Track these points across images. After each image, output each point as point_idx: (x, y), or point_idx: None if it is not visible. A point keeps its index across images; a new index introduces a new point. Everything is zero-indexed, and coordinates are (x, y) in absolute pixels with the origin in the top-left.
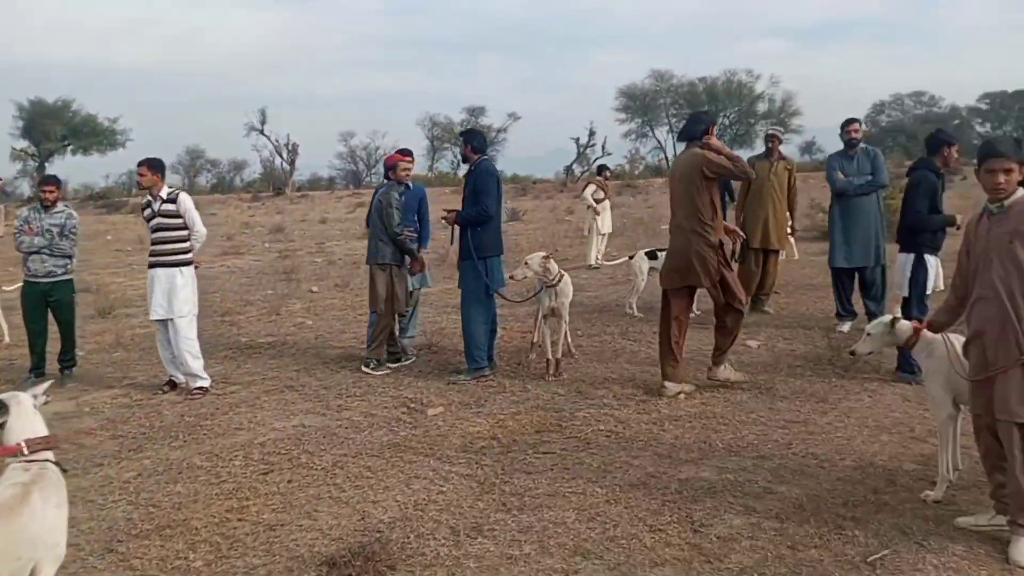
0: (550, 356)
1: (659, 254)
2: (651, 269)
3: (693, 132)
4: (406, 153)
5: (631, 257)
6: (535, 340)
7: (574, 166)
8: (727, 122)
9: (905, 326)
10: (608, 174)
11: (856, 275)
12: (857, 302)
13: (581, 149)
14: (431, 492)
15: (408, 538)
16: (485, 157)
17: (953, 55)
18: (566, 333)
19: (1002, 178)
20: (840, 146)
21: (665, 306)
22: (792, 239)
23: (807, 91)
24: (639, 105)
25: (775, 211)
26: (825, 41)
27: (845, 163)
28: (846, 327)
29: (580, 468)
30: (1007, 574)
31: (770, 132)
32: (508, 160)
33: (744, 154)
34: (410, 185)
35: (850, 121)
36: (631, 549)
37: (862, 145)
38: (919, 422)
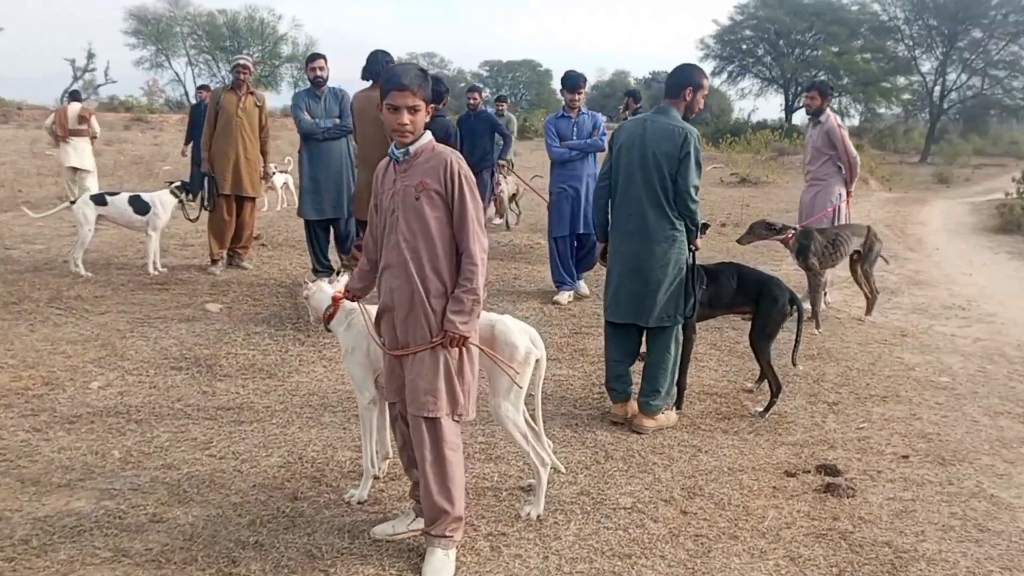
0: None
1: (109, 198)
2: (100, 217)
3: None
4: None
5: (72, 203)
6: None
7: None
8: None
9: (323, 294)
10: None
11: (331, 227)
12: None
13: (78, 73)
14: None
15: None
16: None
17: (460, 20)
18: None
19: (407, 117)
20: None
21: None
22: (272, 185)
23: (332, 41)
24: (152, 31)
25: (246, 152)
26: None
27: (312, 103)
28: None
29: None
30: None
31: (240, 62)
32: None
33: (270, 98)
34: None
35: (315, 56)
36: None
37: (334, 86)
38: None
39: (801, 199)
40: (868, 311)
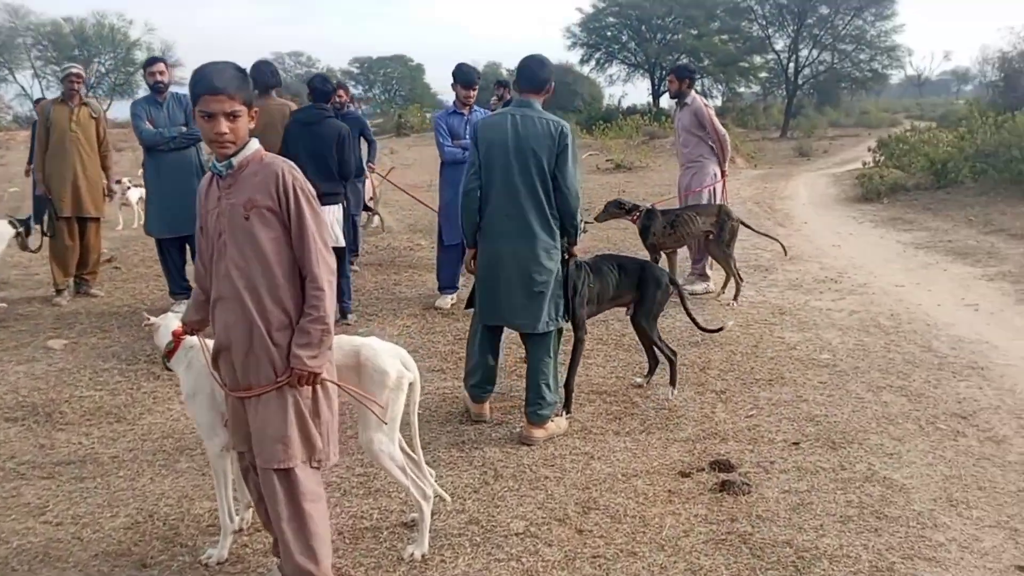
0: None
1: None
2: None
3: None
4: None
5: None
6: None
7: None
8: (103, 70)
9: (165, 328)
10: None
11: (185, 245)
12: None
13: None
14: None
15: None
16: None
17: (325, 19)
18: None
19: (225, 125)
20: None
21: None
22: (127, 200)
23: (191, 43)
24: None
25: (85, 169)
26: None
27: (153, 111)
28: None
29: None
30: None
31: (72, 71)
32: None
33: (122, 106)
34: None
35: (153, 60)
36: None
37: (174, 90)
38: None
39: (679, 182)
40: (735, 295)
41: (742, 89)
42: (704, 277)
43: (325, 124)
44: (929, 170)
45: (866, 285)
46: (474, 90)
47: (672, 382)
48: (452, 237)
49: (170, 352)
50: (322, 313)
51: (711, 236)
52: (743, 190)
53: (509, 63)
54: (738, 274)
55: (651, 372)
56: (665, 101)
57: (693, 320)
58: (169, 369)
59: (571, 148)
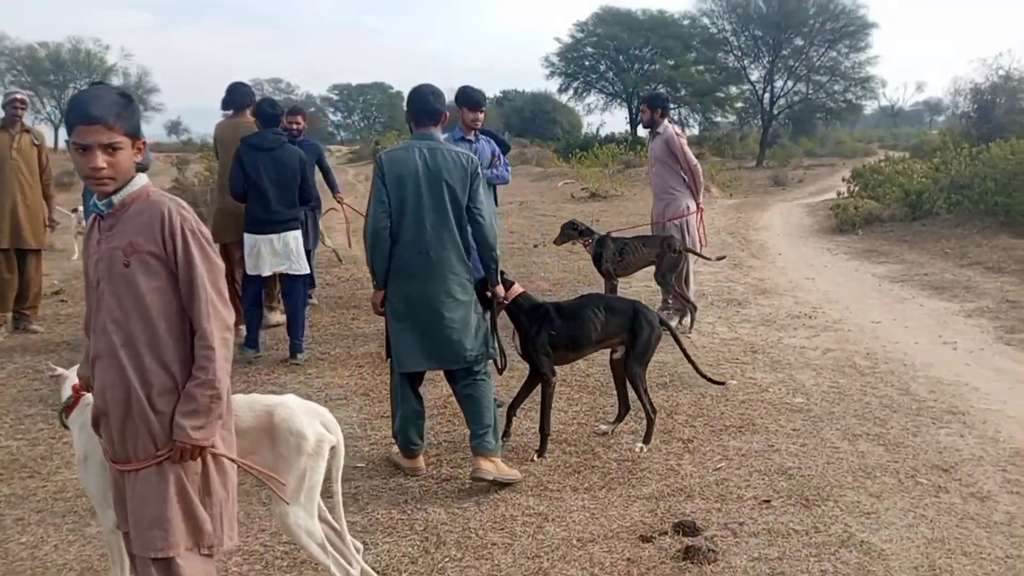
0: None
1: None
2: None
3: None
4: None
5: None
6: None
7: None
8: None
9: (68, 381)
10: None
11: None
12: None
13: None
14: None
15: None
16: None
17: (306, 45)
18: None
19: (101, 159)
20: None
21: None
22: (82, 229)
23: (170, 69)
24: None
25: (25, 199)
26: (187, 18)
27: None
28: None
29: None
30: None
31: (16, 96)
32: None
33: None
34: None
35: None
36: None
37: None
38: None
39: (652, 212)
40: (690, 324)
41: (719, 119)
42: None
43: (284, 149)
44: (904, 201)
45: (841, 321)
46: (482, 112)
47: (646, 439)
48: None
49: (68, 408)
50: (211, 376)
51: (655, 265)
52: (718, 219)
53: (490, 91)
54: (685, 300)
55: (620, 419)
56: (642, 130)
57: (694, 366)
58: (66, 427)
59: (481, 179)
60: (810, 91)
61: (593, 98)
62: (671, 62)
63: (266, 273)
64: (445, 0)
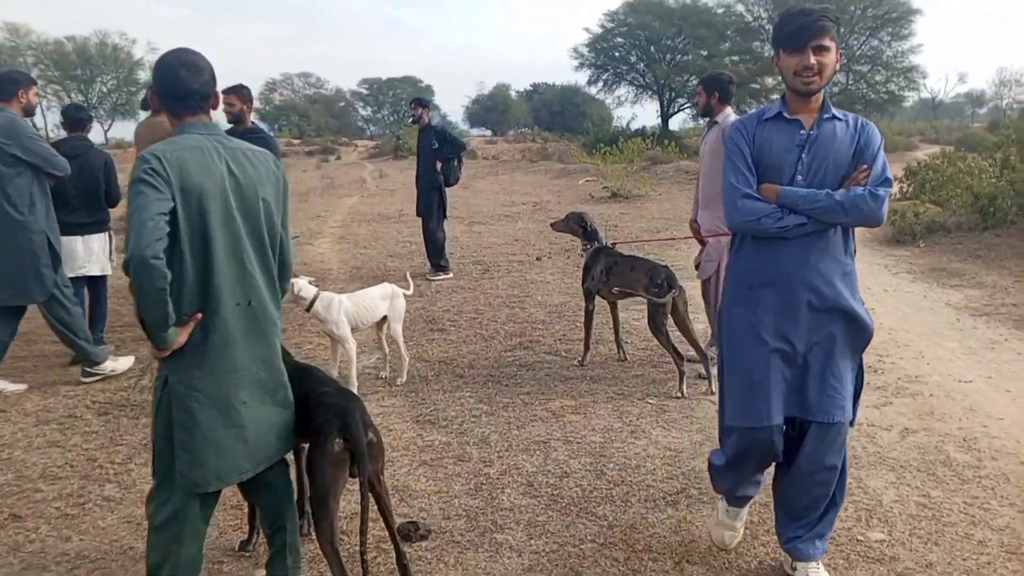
0: None
1: None
2: None
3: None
4: None
5: None
6: None
7: None
8: (105, 89)
9: None
10: None
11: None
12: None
13: None
14: None
15: None
16: None
17: (337, 39)
18: None
19: None
20: None
21: None
22: None
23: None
24: None
25: None
26: (226, 11)
27: None
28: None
29: None
30: None
31: None
32: None
33: (126, 127)
34: None
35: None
36: None
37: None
38: None
39: (697, 222)
40: (679, 384)
41: (753, 111)
42: None
43: (90, 154)
44: (973, 207)
45: (919, 379)
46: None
47: None
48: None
49: None
50: None
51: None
52: None
53: (520, 84)
54: (676, 354)
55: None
56: (676, 123)
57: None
58: None
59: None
60: (850, 82)
61: (623, 90)
62: (704, 52)
63: (71, 274)
64: None
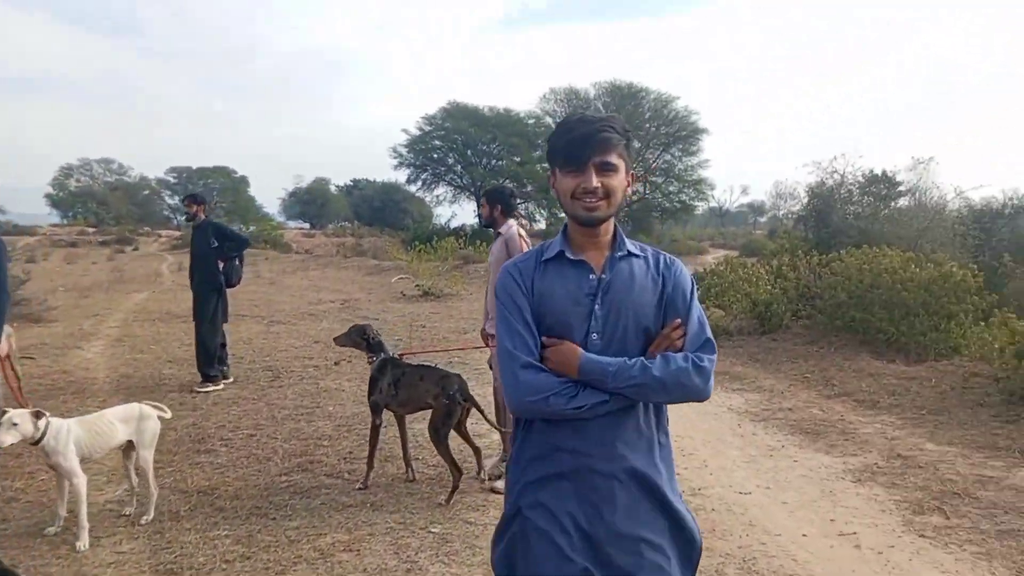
0: None
1: None
2: None
3: None
4: None
5: None
6: None
7: None
8: None
9: None
10: None
11: None
12: None
13: None
14: None
15: None
16: None
17: (143, 126)
18: None
19: None
20: None
21: None
22: None
23: None
24: None
25: None
26: (14, 94)
27: None
28: None
29: None
30: None
31: None
32: None
33: None
34: None
35: None
36: None
37: None
38: None
39: (485, 329)
40: (449, 495)
41: (563, 215)
42: None
43: None
44: (752, 312)
45: (702, 491)
46: None
47: None
48: None
49: None
50: None
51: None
52: None
53: (341, 179)
54: (454, 467)
55: None
56: None
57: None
58: None
59: None
60: (647, 191)
61: (442, 190)
62: (517, 158)
63: None
64: (297, 87)
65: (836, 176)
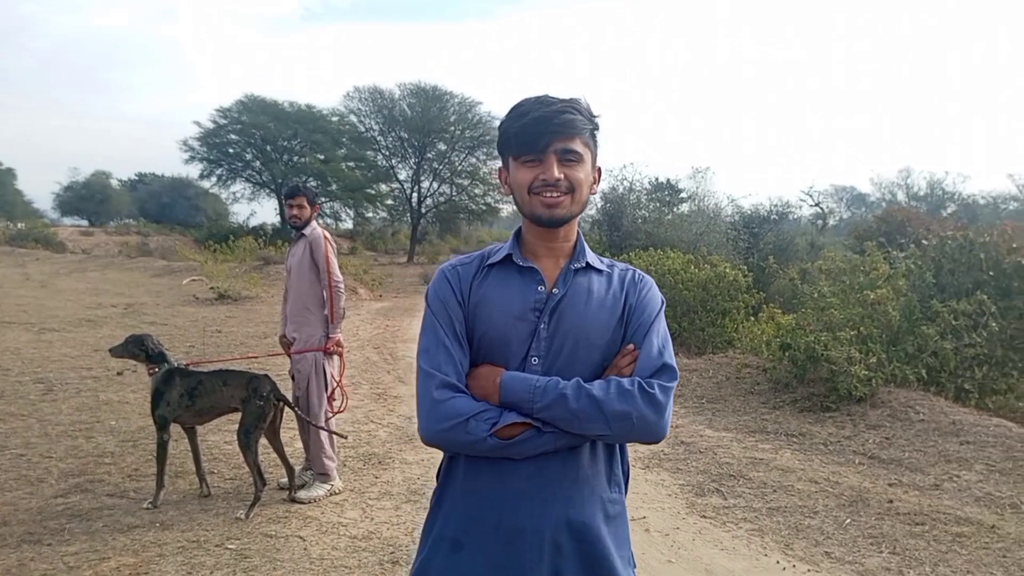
0: None
1: None
2: None
3: None
4: None
5: None
6: None
7: None
8: None
9: None
10: None
11: None
12: None
13: None
14: None
15: None
16: None
17: None
18: None
19: None
20: None
21: None
22: None
23: None
24: None
25: None
26: None
27: None
28: None
29: None
30: None
31: None
32: None
33: None
34: None
35: None
36: None
37: None
38: None
39: (285, 334)
40: (250, 508)
41: (370, 214)
42: (324, 476)
43: None
44: None
45: None
46: None
47: None
48: None
49: None
50: None
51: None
52: (363, 329)
53: (124, 173)
54: (259, 476)
55: None
56: None
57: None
58: None
59: None
60: (454, 193)
61: (240, 186)
62: (321, 156)
63: None
64: (74, 72)
65: (626, 183)
